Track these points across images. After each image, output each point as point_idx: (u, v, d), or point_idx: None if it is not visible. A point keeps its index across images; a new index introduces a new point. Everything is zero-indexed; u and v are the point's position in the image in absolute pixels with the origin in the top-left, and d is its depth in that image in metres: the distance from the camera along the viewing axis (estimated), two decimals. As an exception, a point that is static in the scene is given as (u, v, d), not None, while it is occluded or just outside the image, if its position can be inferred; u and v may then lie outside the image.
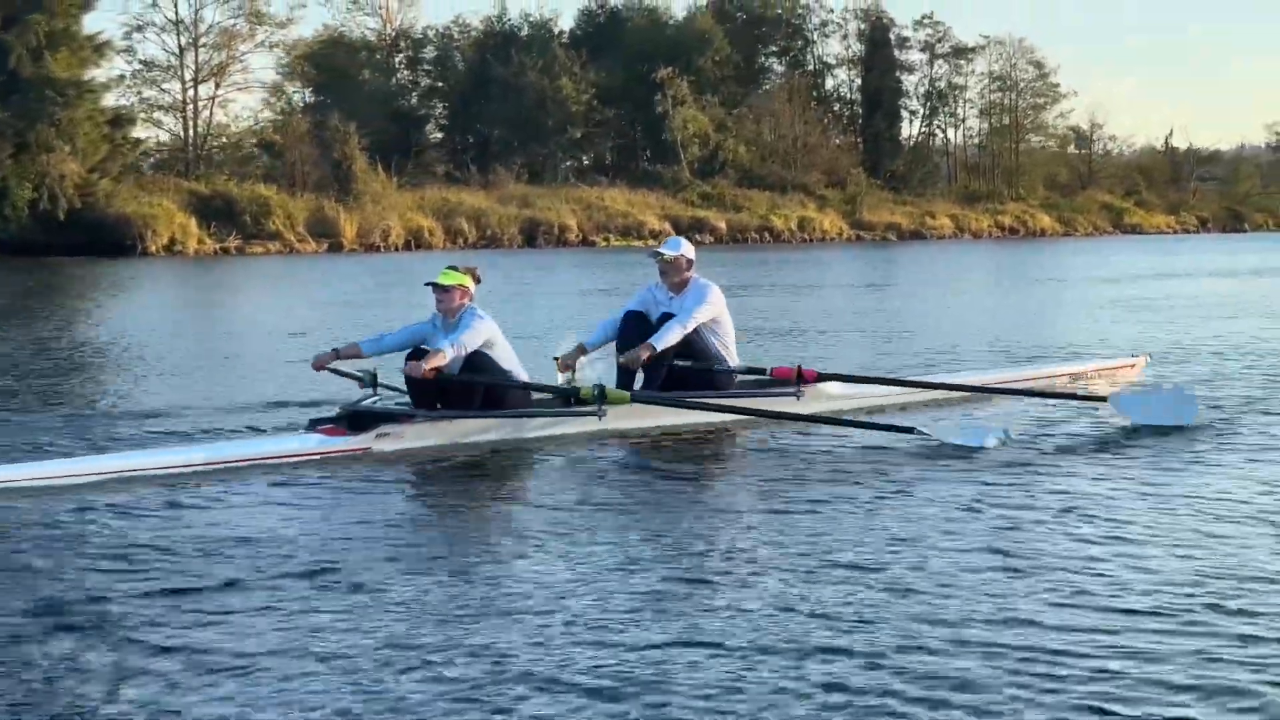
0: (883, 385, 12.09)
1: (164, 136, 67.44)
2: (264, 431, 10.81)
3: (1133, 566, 6.76)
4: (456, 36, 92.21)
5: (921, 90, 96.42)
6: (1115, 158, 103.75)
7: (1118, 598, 6.22)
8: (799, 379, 11.31)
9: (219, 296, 34.97)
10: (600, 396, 10.19)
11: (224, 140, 67.18)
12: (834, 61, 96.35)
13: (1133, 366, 14.07)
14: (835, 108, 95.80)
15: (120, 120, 59.09)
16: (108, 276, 41.32)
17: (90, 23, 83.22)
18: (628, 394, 10.50)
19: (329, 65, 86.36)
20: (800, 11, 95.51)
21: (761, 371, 11.61)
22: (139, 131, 63.25)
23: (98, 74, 59.07)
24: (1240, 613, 5.99)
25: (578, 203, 71.96)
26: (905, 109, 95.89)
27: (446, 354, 10.04)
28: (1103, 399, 11.31)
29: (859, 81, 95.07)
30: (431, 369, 9.97)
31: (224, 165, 65.05)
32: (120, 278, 40.62)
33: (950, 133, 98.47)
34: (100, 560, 7.04)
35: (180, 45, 66.98)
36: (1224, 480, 8.82)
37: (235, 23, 67.90)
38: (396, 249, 61.90)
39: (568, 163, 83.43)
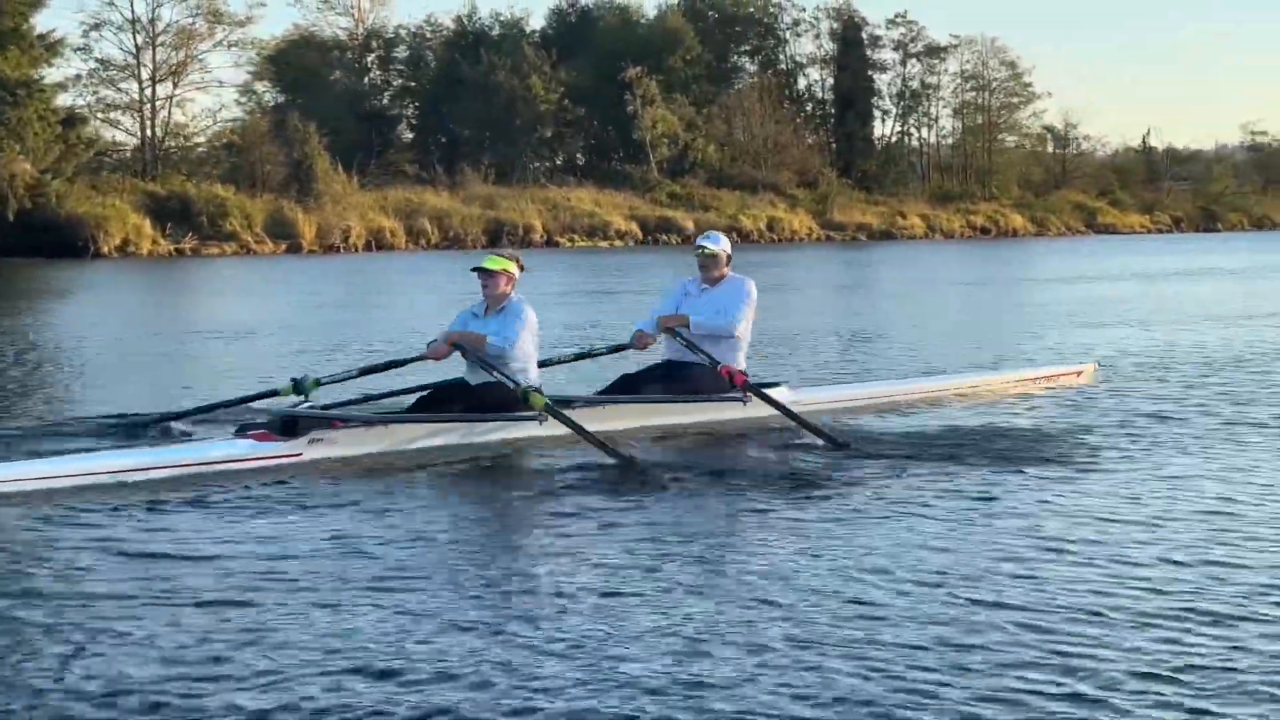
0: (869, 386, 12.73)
1: (121, 136, 66.52)
2: (193, 438, 10.39)
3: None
4: (429, 36, 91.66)
5: (894, 90, 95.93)
6: (1090, 157, 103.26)
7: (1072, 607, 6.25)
8: (730, 380, 11.10)
9: (165, 299, 34.20)
10: (524, 399, 9.90)
11: (182, 140, 65.92)
12: (806, 61, 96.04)
13: (1079, 374, 14.13)
14: (808, 107, 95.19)
15: (73, 120, 58.11)
16: (52, 278, 40.59)
17: (44, 21, 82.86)
18: (542, 400, 9.99)
19: (299, 65, 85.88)
20: (772, 10, 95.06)
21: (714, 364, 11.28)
22: (95, 131, 62.14)
23: (50, 73, 58.06)
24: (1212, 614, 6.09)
25: (543, 203, 71.17)
26: (878, 108, 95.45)
27: (489, 340, 10.02)
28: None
29: (831, 81, 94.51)
30: (449, 345, 10.06)
31: (182, 165, 63.92)
32: (64, 280, 39.83)
33: (923, 132, 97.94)
34: (23, 571, 6.84)
35: (137, 44, 65.96)
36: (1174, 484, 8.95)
37: (193, 21, 66.91)
38: (356, 250, 61.03)
39: (536, 163, 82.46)
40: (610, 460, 9.47)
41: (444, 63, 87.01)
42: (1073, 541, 7.37)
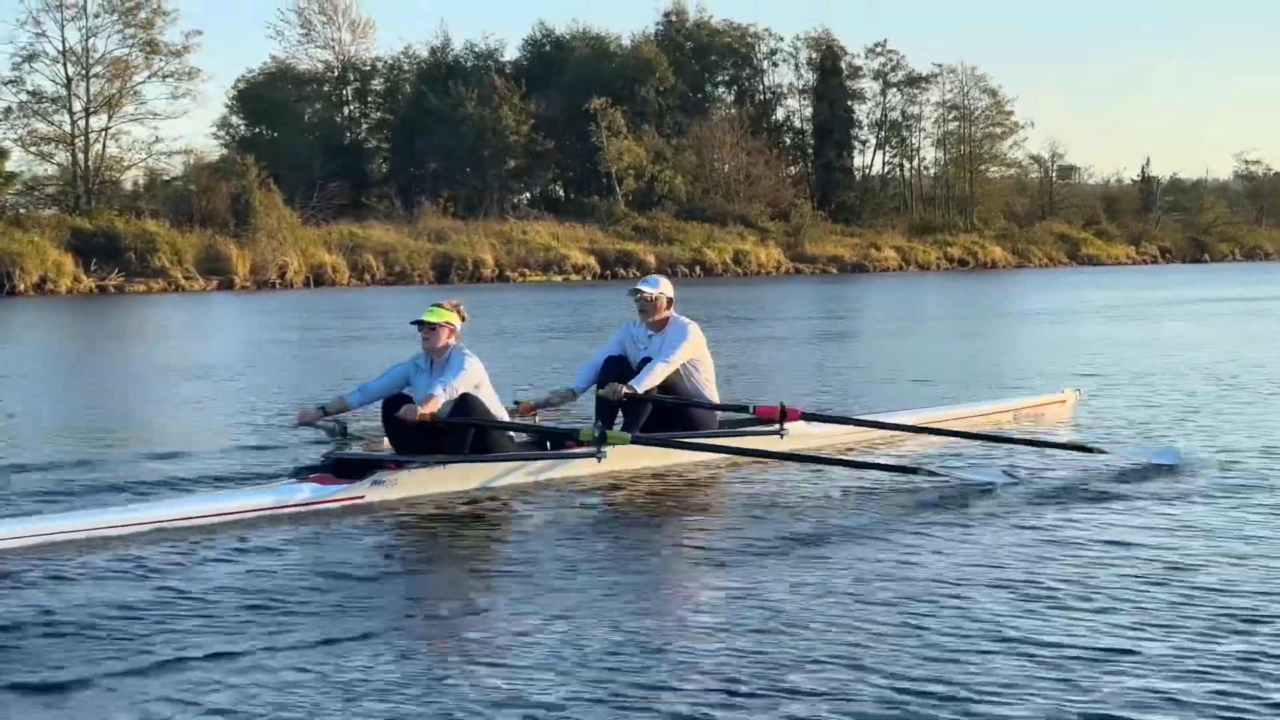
0: (861, 427, 12.08)
1: (53, 170, 64.49)
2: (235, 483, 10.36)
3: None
4: (406, 68, 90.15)
5: (873, 120, 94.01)
6: (1079, 187, 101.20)
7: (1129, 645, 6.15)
8: (782, 416, 11.15)
9: (65, 338, 32.59)
10: (600, 438, 10.00)
11: (115, 174, 64.17)
12: (784, 90, 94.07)
13: (1063, 402, 14.33)
14: (786, 138, 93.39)
15: (-14, 154, 56.28)
16: None
17: None
18: (628, 435, 10.26)
19: (272, 98, 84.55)
20: (749, 40, 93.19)
21: (744, 409, 11.47)
22: (27, 166, 60.61)
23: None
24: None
25: (497, 237, 69.35)
26: (857, 139, 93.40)
27: (439, 398, 9.85)
28: (1104, 451, 11.05)
29: (810, 111, 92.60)
30: (428, 414, 9.75)
31: (115, 200, 62.15)
32: None
33: (905, 163, 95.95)
34: (101, 622, 6.72)
35: (68, 75, 64.11)
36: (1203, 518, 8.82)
37: (128, 52, 64.86)
38: (292, 286, 59.19)
39: (504, 195, 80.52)
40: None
41: (416, 95, 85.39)
42: (1035, 578, 7.33)
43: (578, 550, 8.24)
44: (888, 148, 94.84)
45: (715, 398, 11.53)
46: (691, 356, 11.35)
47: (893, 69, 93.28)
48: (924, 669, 5.80)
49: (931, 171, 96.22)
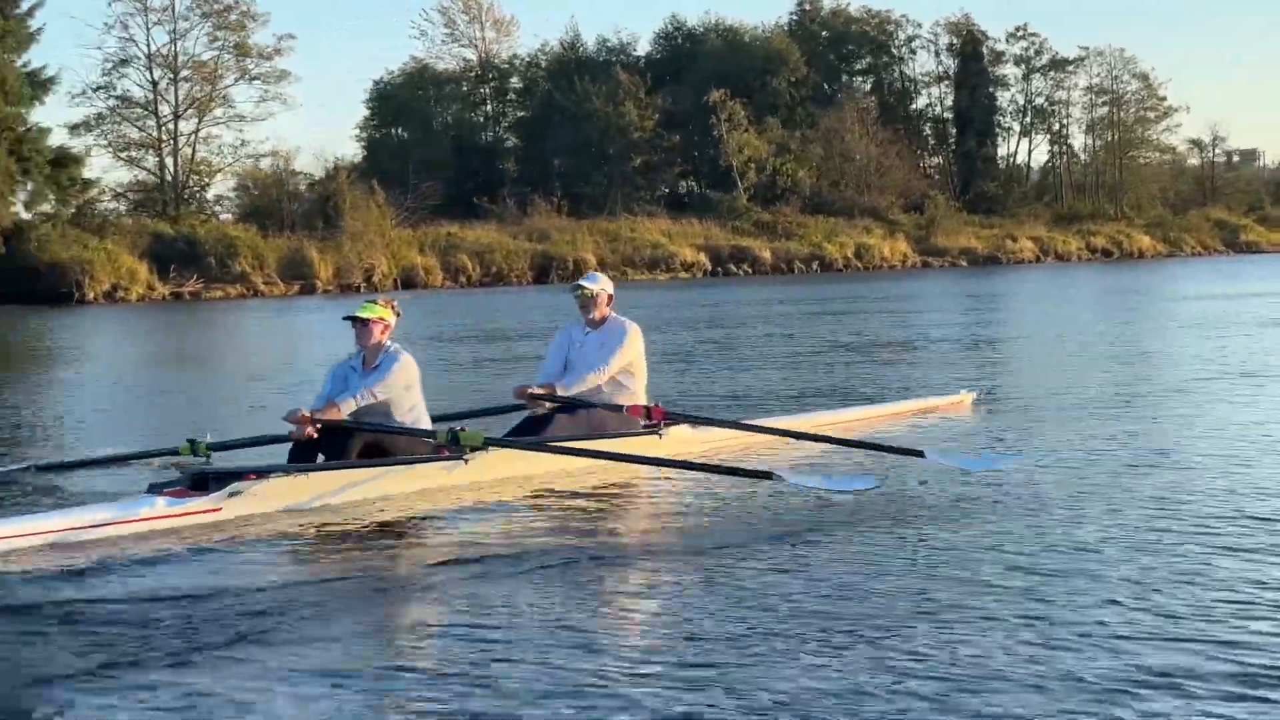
0: (729, 429, 11.77)
1: (140, 175, 64.28)
2: (104, 496, 9.65)
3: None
4: (544, 65, 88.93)
5: (1016, 107, 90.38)
6: (1245, 172, 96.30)
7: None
8: (648, 415, 11.06)
9: (100, 346, 31.68)
10: (454, 440, 9.75)
11: (203, 178, 63.74)
12: (924, 79, 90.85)
13: (960, 403, 14.27)
14: (924, 127, 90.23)
15: (64, 160, 55.91)
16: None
17: (51, 60, 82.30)
18: (481, 436, 9.89)
19: (403, 98, 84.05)
20: (887, 28, 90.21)
21: (617, 409, 11.13)
22: (104, 171, 60.37)
23: (42, 113, 56.35)
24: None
25: (604, 235, 67.48)
26: (1000, 126, 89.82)
27: (361, 401, 9.77)
28: (920, 453, 10.57)
29: (950, 99, 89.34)
30: (316, 428, 9.59)
31: (203, 205, 61.68)
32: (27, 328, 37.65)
33: (1052, 150, 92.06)
34: None
35: (154, 79, 63.73)
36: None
37: (217, 55, 64.31)
38: (378, 289, 57.96)
39: (629, 192, 78.65)
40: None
41: (546, 92, 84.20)
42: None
43: (433, 562, 7.97)
44: (1033, 135, 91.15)
45: (642, 399, 11.34)
46: (628, 362, 11.25)
47: (1035, 53, 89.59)
48: (795, 678, 5.67)
49: (1082, 159, 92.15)
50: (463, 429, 9.93)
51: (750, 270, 69.00)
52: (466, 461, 9.81)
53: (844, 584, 7.16)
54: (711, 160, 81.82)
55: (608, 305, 11.43)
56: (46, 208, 55.80)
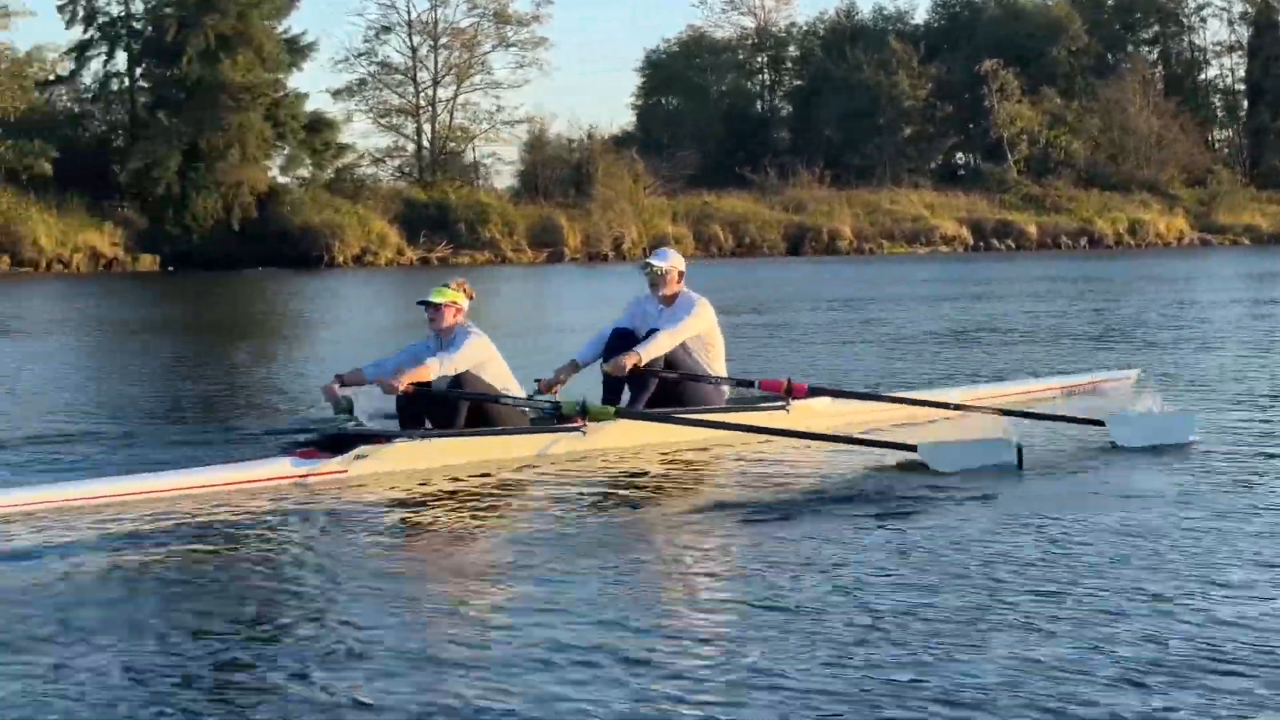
0: (871, 401, 11.66)
1: (401, 142, 65.43)
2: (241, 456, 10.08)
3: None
4: (820, 34, 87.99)
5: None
6: None
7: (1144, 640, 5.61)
8: (788, 392, 10.92)
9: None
10: (582, 411, 9.93)
11: (457, 144, 64.35)
12: (1214, 48, 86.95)
13: (1128, 380, 13.77)
14: (1214, 100, 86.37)
15: (318, 125, 57.00)
16: (265, 288, 39.75)
17: (312, 25, 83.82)
18: (611, 409, 10.15)
19: (674, 67, 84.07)
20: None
21: (750, 384, 11.23)
22: (376, 138, 61.66)
23: (298, 78, 57.61)
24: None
25: (863, 207, 66.24)
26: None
27: (431, 370, 9.82)
28: (1100, 423, 10.46)
29: (1242, 70, 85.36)
30: (408, 383, 9.73)
31: (459, 171, 62.40)
32: (281, 289, 38.74)
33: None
34: (80, 592, 6.67)
35: (414, 46, 64.59)
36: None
37: (478, 22, 64.96)
38: (626, 259, 57.85)
39: (895, 163, 77.25)
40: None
41: (818, 61, 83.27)
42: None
43: (553, 529, 7.93)
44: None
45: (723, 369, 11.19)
46: (698, 331, 11.00)
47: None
48: (919, 658, 5.42)
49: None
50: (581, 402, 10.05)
51: (1014, 245, 67.08)
52: (584, 432, 9.97)
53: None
54: (984, 131, 79.88)
55: (678, 282, 11.17)
56: (303, 172, 57.06)
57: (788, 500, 8.63)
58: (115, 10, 56.31)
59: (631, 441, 10.29)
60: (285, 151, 56.75)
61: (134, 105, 56.59)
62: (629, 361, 10.57)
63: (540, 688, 5.15)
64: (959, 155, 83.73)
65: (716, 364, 11.10)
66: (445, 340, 10.15)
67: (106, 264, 52.08)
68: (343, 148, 58.80)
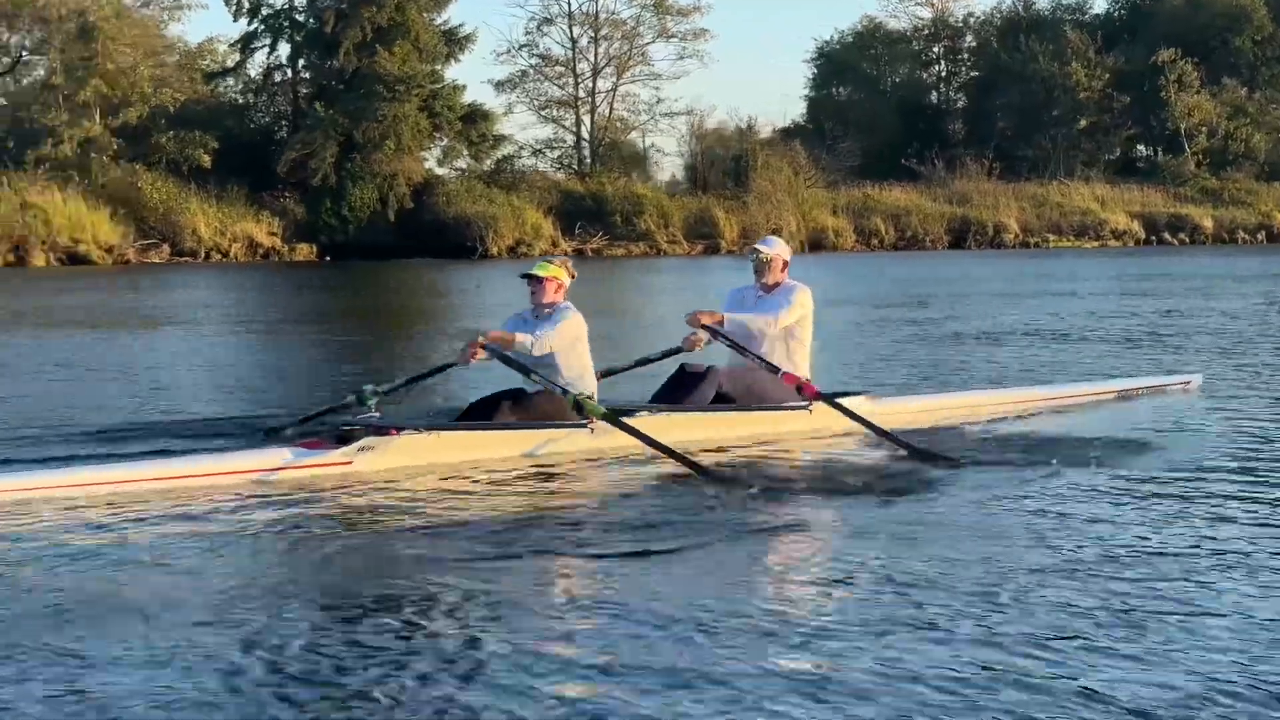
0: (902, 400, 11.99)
1: (560, 134, 65.16)
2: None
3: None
4: (999, 24, 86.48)
5: None
6: None
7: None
8: (798, 390, 10.73)
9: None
10: (577, 407, 9.86)
11: (616, 136, 64.11)
12: None
13: (1189, 385, 13.51)
14: None
15: (474, 117, 57.10)
16: (414, 277, 40.14)
17: (470, 17, 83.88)
18: (602, 408, 9.93)
19: (844, 58, 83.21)
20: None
21: (775, 369, 10.82)
22: (536, 130, 61.70)
23: (456, 69, 57.90)
24: None
25: (1031, 200, 64.82)
26: None
27: (519, 341, 9.93)
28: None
29: None
30: (481, 345, 9.90)
31: (621, 163, 62.25)
32: (433, 279, 39.20)
33: None
34: (85, 572, 6.81)
35: (574, 37, 64.51)
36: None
37: (638, 13, 64.80)
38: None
39: (1069, 156, 75.60)
40: (680, 468, 9.32)
41: (993, 52, 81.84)
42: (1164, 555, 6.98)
43: (559, 524, 8.00)
44: None
45: (805, 371, 10.95)
46: (798, 318, 10.91)
47: None
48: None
49: None
50: (589, 397, 10.00)
51: (1188, 239, 65.19)
52: (592, 431, 9.91)
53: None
54: (1162, 123, 77.78)
55: (783, 271, 11.13)
56: (461, 164, 57.33)
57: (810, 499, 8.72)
58: (279, 2, 57.01)
59: (636, 442, 10.03)
60: (442, 143, 56.99)
61: (295, 97, 57.31)
62: (708, 319, 10.73)
63: (555, 683, 5.18)
64: (1138, 147, 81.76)
65: (798, 356, 10.95)
66: (544, 315, 10.28)
67: (264, 253, 52.77)
68: (499, 139, 58.95)
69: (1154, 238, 65.12)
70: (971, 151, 72.37)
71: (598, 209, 56.75)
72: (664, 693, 5.07)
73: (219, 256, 51.62)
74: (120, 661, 5.44)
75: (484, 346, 9.93)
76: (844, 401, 10.80)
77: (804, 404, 10.74)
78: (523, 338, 9.94)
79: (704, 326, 10.79)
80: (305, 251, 53.32)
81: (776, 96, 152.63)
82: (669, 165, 65.07)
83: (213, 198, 52.09)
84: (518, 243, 54.06)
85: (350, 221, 53.34)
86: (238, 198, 52.70)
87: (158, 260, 50.45)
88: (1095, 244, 63.41)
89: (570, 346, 10.15)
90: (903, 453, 9.92)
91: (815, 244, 58.71)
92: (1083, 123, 76.29)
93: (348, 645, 5.66)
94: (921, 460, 9.67)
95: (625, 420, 9.78)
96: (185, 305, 28.99)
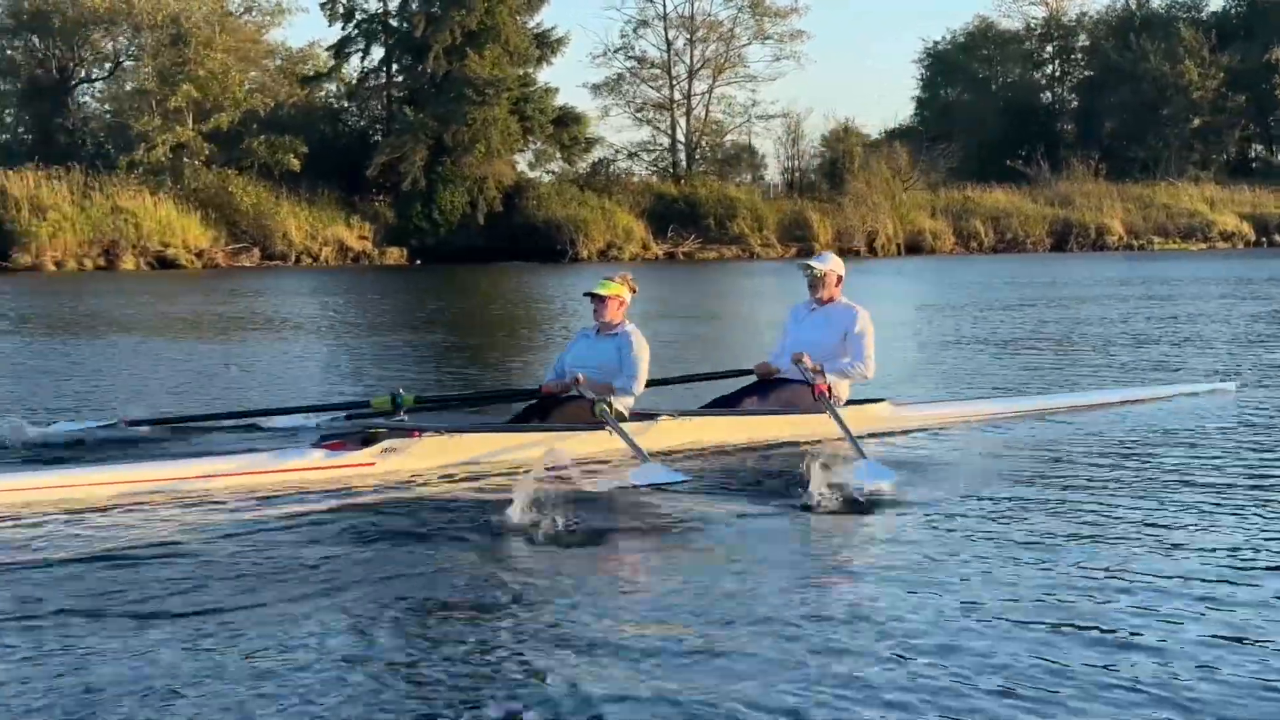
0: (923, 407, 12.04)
1: (656, 136, 64.79)
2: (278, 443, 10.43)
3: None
4: (1114, 23, 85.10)
5: None
6: None
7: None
8: (811, 389, 10.67)
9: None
10: (594, 412, 9.94)
11: (712, 138, 63.68)
12: None
13: (1227, 391, 13.35)
14: None
15: (566, 120, 56.83)
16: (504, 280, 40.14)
17: (564, 20, 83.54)
18: (614, 409, 10.02)
19: (953, 59, 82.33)
20: None
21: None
22: (631, 133, 61.44)
23: (549, 72, 57.81)
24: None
25: (1136, 202, 63.55)
26: None
27: (617, 401, 10.06)
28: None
29: None
30: (571, 385, 10.10)
31: (717, 166, 61.82)
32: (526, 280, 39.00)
33: None
34: (89, 575, 6.83)
35: (669, 40, 64.10)
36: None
37: (735, 15, 64.39)
38: (878, 255, 56.42)
39: (1181, 156, 74.12)
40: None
41: (1103, 51, 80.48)
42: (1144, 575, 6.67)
43: (591, 527, 7.92)
44: None
45: (843, 389, 11.00)
46: (871, 349, 11.03)
47: None
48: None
49: None
50: (606, 403, 10.00)
51: (1301, 242, 63.79)
52: (610, 433, 9.86)
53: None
54: (1278, 122, 76.11)
55: (836, 286, 11.21)
56: (554, 167, 57.16)
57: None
58: (373, 6, 57.14)
59: (660, 443, 10.13)
60: (535, 146, 56.86)
61: (389, 101, 57.39)
62: (809, 362, 10.61)
63: (577, 678, 5.18)
64: (1255, 148, 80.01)
65: (853, 370, 10.99)
66: (606, 334, 10.48)
67: (354, 257, 52.87)
68: (591, 142, 58.69)
69: (1264, 239, 63.59)
70: (1079, 152, 71.25)
71: (690, 212, 56.37)
72: (713, 686, 5.07)
73: (309, 260, 51.77)
74: (140, 655, 5.48)
75: (577, 387, 10.06)
76: (863, 409, 11.01)
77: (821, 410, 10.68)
78: (624, 398, 10.14)
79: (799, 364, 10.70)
80: (395, 255, 53.34)
81: (874, 98, 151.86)
82: (766, 168, 64.06)
83: (304, 201, 52.28)
84: (608, 246, 53.80)
85: (440, 225, 53.29)
86: (329, 201, 52.87)
87: (248, 264, 50.70)
88: (1203, 246, 62.03)
89: (643, 370, 10.38)
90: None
91: (913, 246, 58.00)
92: (1195, 122, 74.82)
93: (367, 643, 5.68)
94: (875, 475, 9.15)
95: (623, 425, 9.84)
96: (299, 309, 28.97)
